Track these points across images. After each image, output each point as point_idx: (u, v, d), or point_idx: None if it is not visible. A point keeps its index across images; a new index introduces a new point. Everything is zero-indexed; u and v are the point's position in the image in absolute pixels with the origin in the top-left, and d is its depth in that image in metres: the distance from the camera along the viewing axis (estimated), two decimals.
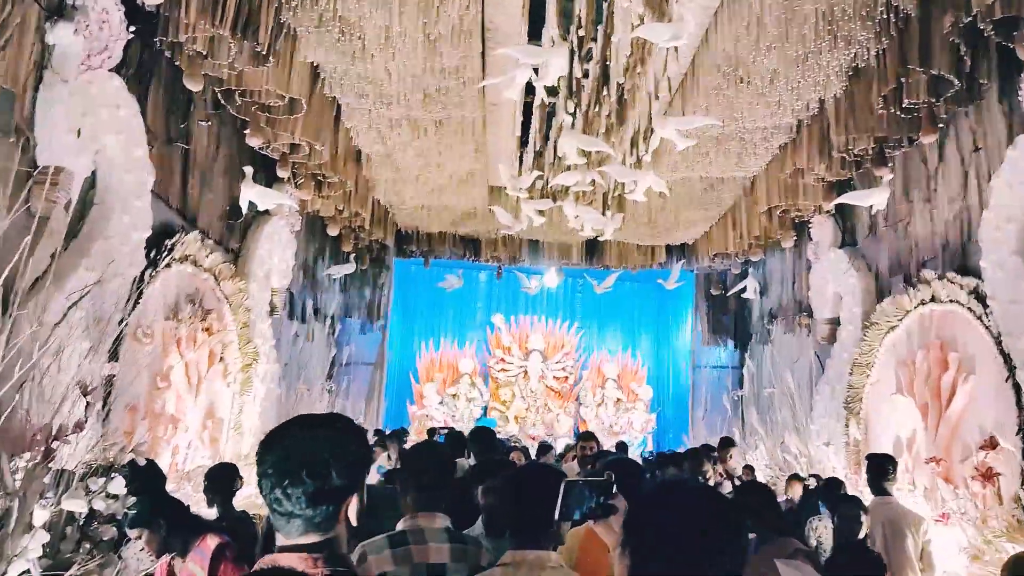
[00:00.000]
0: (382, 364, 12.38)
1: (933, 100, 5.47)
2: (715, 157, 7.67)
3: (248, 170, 6.73)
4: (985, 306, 5.68)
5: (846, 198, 6.90)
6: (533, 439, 14.52)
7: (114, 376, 4.92)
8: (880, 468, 5.14)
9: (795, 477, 6.98)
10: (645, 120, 6.41)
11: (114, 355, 5.04)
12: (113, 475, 3.65)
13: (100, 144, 4.90)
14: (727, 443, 7.94)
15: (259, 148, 6.85)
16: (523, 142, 7.95)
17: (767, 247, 9.79)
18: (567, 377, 15.51)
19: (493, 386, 15.29)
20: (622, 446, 10.77)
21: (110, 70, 4.88)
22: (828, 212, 8.15)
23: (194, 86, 5.47)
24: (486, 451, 5.47)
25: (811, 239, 8.68)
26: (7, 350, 3.58)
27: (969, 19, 4.54)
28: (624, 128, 6.45)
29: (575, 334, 15.63)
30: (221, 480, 4.39)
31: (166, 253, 5.72)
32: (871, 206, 6.95)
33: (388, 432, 10.14)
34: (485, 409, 15.07)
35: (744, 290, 10.97)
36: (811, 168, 7.07)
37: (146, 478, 3.92)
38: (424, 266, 12.70)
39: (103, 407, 4.85)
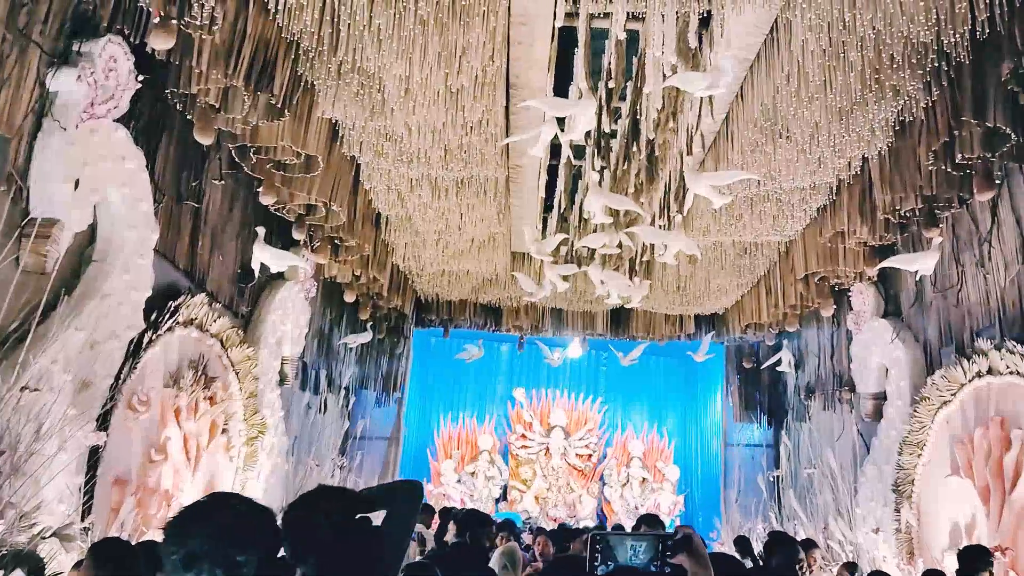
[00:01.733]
0: (398, 439, 11.87)
1: (988, 155, 5.10)
2: (749, 220, 7.31)
3: (261, 230, 6.48)
4: None
5: (892, 262, 6.50)
6: (554, 521, 13.85)
7: (100, 447, 4.53)
8: (967, 561, 4.55)
9: (849, 567, 6.32)
10: (676, 179, 6.11)
11: (104, 423, 4.67)
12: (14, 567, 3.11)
13: (101, 197, 4.65)
14: (810, 545, 6.73)
15: (273, 208, 6.59)
16: (547, 206, 7.67)
17: (803, 317, 9.32)
18: (590, 455, 14.89)
19: (513, 464, 14.69)
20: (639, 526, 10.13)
21: (116, 120, 4.66)
22: (870, 279, 7.72)
23: (205, 140, 5.24)
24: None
25: (851, 308, 8.21)
26: None
27: None
28: (654, 187, 6.13)
29: (599, 409, 15.07)
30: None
31: (168, 315, 5.41)
32: (916, 272, 6.54)
33: None
34: (504, 488, 14.43)
35: (778, 363, 10.44)
36: (853, 231, 6.68)
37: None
38: (444, 336, 12.30)
39: (86, 480, 4.45)
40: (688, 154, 5.55)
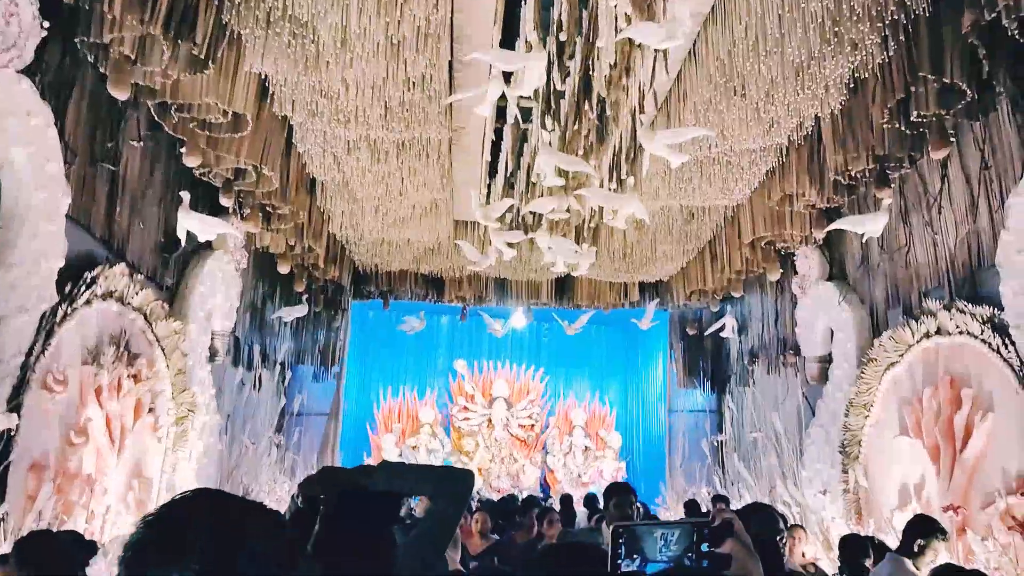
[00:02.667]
0: (337, 414, 11.49)
1: (943, 112, 5.03)
2: (699, 183, 7.16)
3: (185, 196, 6.03)
4: (1004, 337, 5.20)
5: (841, 224, 6.43)
6: (498, 492, 13.77)
7: (13, 430, 4.11)
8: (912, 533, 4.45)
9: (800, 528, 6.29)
10: (629, 139, 5.89)
11: (15, 405, 4.25)
12: None
13: (3, 156, 4.18)
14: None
15: (198, 172, 6.13)
16: (492, 170, 7.37)
17: (748, 282, 9.29)
18: (533, 425, 14.86)
19: (455, 436, 14.56)
20: (592, 499, 10.08)
21: (19, 72, 4.19)
22: (815, 243, 7.69)
23: (120, 94, 4.76)
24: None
25: (795, 272, 8.20)
26: None
27: (992, 15, 4.11)
28: (604, 148, 5.90)
29: (541, 379, 14.99)
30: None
31: (84, 287, 4.96)
32: (863, 234, 6.51)
33: None
34: (447, 462, 14.28)
35: (722, 329, 10.45)
36: (801, 194, 6.59)
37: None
38: (383, 308, 11.93)
39: None
40: (641, 112, 5.33)
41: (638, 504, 4.27)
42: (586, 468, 14.55)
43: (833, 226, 6.44)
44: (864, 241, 6.87)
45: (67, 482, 4.83)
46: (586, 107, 5.56)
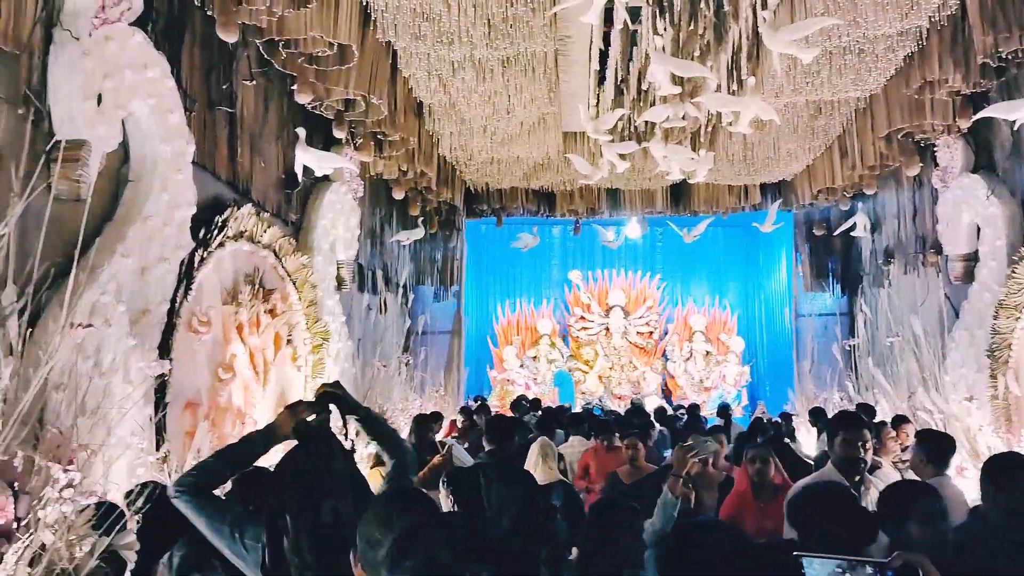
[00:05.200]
0: (459, 331, 11.79)
1: None
2: (828, 76, 6.62)
3: (301, 132, 6.12)
4: None
5: (990, 111, 5.83)
6: (619, 399, 13.91)
7: (165, 375, 4.38)
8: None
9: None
10: (748, 35, 5.48)
11: (166, 349, 4.51)
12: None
13: (127, 111, 4.29)
14: (900, 420, 6.49)
15: (310, 106, 6.18)
16: (601, 79, 7.07)
17: (882, 177, 8.67)
18: (651, 332, 14.85)
19: (574, 346, 14.76)
20: (725, 408, 9.95)
21: (131, 24, 4.24)
22: (959, 132, 7.04)
23: (228, 37, 4.80)
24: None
25: (936, 165, 7.57)
26: (24, 359, 3.02)
27: None
28: (723, 47, 5.52)
29: (657, 287, 14.82)
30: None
31: (217, 231, 5.14)
32: (1013, 122, 5.89)
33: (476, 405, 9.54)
34: (568, 371, 14.54)
35: (852, 228, 9.87)
36: (944, 80, 6.01)
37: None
38: (496, 225, 11.98)
39: (156, 410, 4.33)
40: (763, 8, 4.92)
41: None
42: (707, 373, 14.46)
43: (982, 114, 5.85)
44: (1015, 128, 6.22)
45: (220, 416, 5.16)
46: (702, 3, 5.20)
